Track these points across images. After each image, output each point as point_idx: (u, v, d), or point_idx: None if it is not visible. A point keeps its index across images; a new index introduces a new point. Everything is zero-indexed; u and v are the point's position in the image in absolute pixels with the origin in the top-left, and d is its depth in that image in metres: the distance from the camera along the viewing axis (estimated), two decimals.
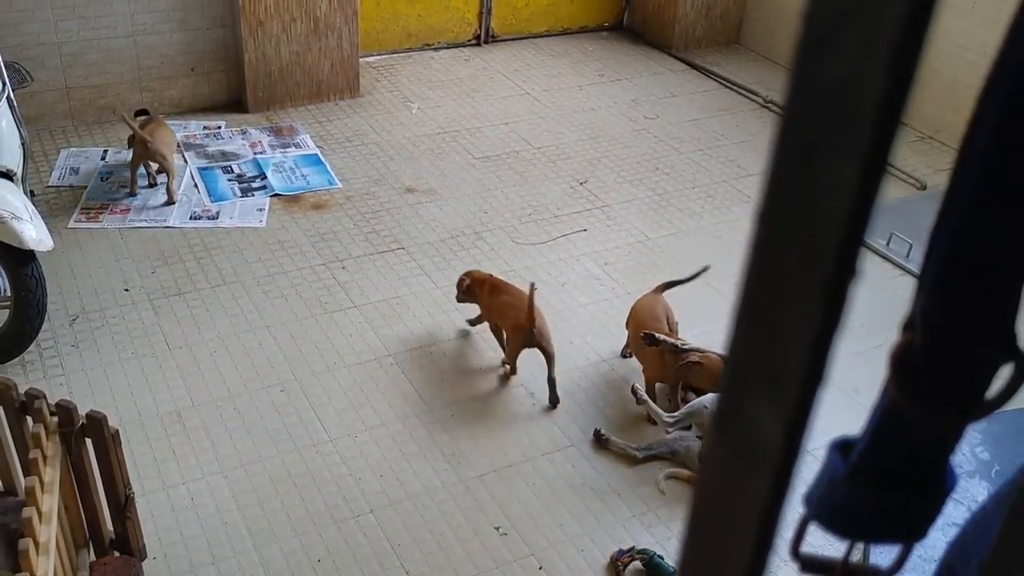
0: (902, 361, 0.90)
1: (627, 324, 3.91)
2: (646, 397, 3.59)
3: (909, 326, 0.91)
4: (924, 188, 5.38)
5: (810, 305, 0.51)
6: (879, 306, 4.36)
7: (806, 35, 0.48)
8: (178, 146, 5.25)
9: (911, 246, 4.68)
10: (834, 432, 1.02)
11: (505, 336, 3.85)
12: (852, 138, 0.47)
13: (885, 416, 0.95)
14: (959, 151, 0.85)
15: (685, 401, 3.62)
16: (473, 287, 3.91)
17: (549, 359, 3.68)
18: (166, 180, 4.80)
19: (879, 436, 0.96)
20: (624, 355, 3.94)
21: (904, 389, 0.90)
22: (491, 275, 3.96)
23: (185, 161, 5.18)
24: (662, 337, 3.61)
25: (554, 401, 3.67)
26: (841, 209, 0.48)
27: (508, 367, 3.81)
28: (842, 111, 0.47)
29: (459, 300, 3.99)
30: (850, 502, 0.99)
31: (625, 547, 3.05)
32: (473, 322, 4.04)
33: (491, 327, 3.95)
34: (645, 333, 3.65)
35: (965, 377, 0.93)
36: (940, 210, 0.87)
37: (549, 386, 3.67)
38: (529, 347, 3.69)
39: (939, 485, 1.00)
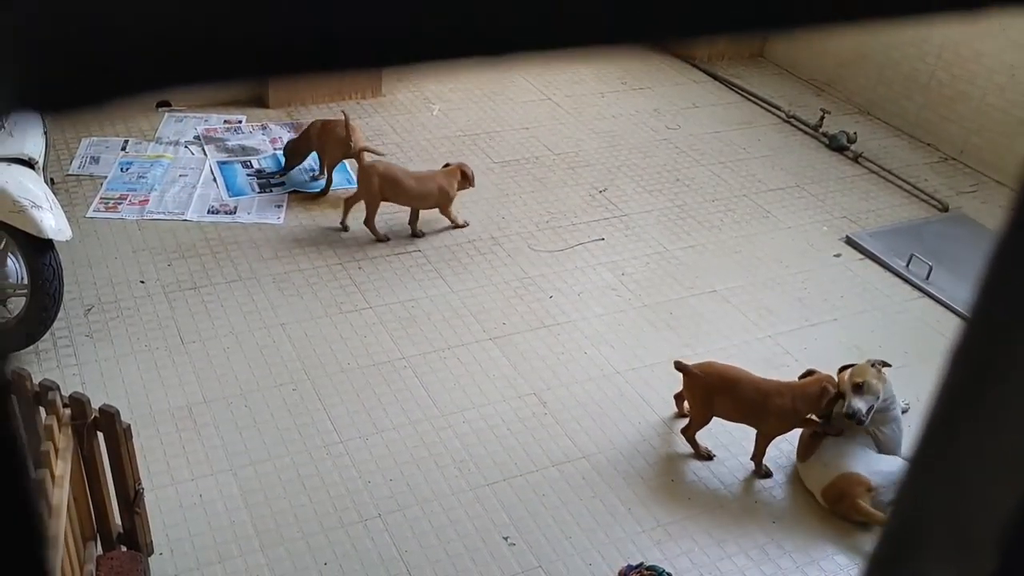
0: None
1: (698, 399, 3.49)
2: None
3: None
4: (946, 210, 5.33)
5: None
6: (896, 328, 4.34)
7: None
8: (197, 138, 5.27)
9: (931, 268, 4.64)
10: None
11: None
12: None
13: None
14: None
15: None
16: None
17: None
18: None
19: None
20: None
21: None
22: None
23: (205, 154, 5.18)
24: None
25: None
26: None
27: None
28: None
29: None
30: None
31: (634, 563, 3.02)
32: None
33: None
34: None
35: None
36: None
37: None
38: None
39: None
